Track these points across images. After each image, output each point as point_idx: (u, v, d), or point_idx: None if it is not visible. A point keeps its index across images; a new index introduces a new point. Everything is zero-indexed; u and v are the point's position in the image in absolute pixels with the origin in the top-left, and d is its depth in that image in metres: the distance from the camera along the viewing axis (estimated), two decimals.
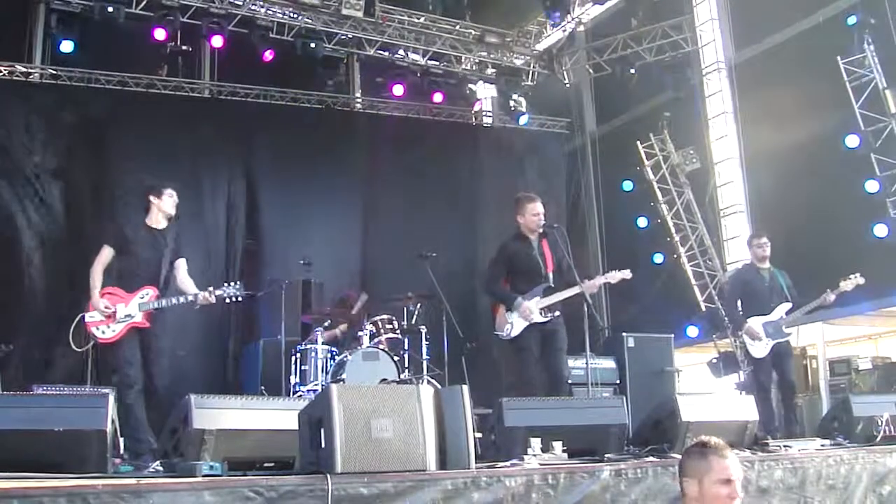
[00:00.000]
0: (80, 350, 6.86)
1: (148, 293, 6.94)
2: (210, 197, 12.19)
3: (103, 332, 6.82)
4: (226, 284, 7.29)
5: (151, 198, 7.22)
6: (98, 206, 11.43)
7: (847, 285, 8.46)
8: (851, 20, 10.83)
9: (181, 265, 7.25)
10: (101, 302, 6.84)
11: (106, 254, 7.01)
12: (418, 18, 13.77)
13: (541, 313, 7.42)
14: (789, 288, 8.72)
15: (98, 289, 6.89)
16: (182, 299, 7.09)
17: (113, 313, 6.84)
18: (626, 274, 7.75)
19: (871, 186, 10.67)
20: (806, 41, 11.90)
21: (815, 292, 8.54)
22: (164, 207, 7.21)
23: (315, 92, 13.50)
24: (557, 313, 7.50)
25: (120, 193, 11.48)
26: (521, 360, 7.47)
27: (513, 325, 7.42)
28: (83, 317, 6.88)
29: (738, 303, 8.94)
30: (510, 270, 7.66)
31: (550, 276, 7.55)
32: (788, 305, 8.61)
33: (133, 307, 6.89)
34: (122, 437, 6.32)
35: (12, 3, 11.70)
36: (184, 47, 12.51)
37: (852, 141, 10.77)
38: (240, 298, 7.40)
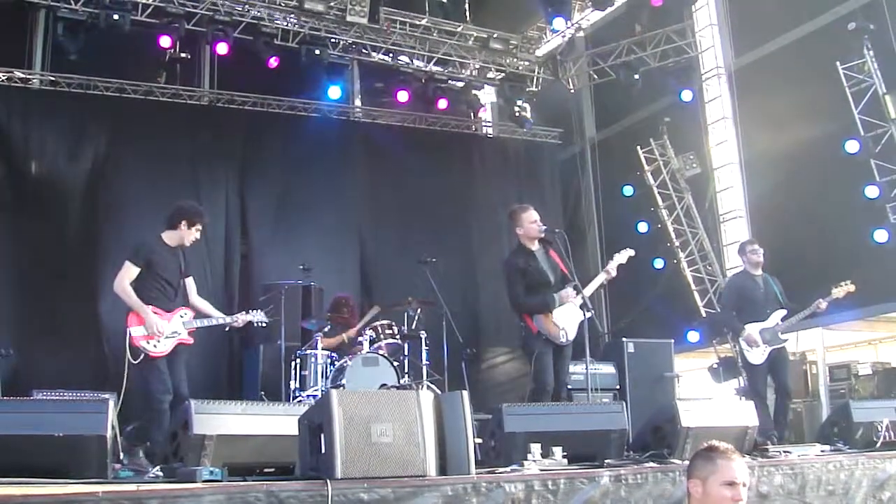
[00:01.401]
0: (136, 362, 6.83)
1: (187, 313, 7.17)
2: (208, 204, 12.13)
3: (154, 346, 6.86)
4: (253, 311, 7.67)
5: (183, 223, 7.24)
6: (96, 212, 11.41)
7: (839, 292, 8.50)
8: (851, 25, 10.84)
9: (191, 284, 7.41)
10: (155, 319, 6.91)
11: (131, 271, 7.02)
12: (419, 21, 13.74)
13: (581, 309, 7.42)
14: (782, 294, 8.77)
15: (143, 305, 6.93)
16: (220, 320, 7.44)
17: (160, 331, 6.93)
18: (630, 252, 7.76)
19: (871, 192, 10.66)
20: (805, 46, 11.91)
21: (815, 298, 8.55)
22: (186, 237, 7.26)
23: (313, 101, 13.49)
24: (592, 311, 7.52)
25: (118, 201, 11.48)
26: (544, 368, 7.42)
27: (566, 329, 7.35)
28: (130, 332, 6.85)
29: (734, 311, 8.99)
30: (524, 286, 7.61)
31: (567, 275, 7.51)
32: (784, 312, 8.65)
33: (177, 325, 7.05)
34: (149, 442, 6.41)
35: (12, 10, 11.69)
36: (182, 55, 12.48)
37: (852, 146, 10.77)
38: (264, 324, 7.78)
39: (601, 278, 7.49)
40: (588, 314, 7.43)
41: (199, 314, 7.35)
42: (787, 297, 8.78)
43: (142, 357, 6.80)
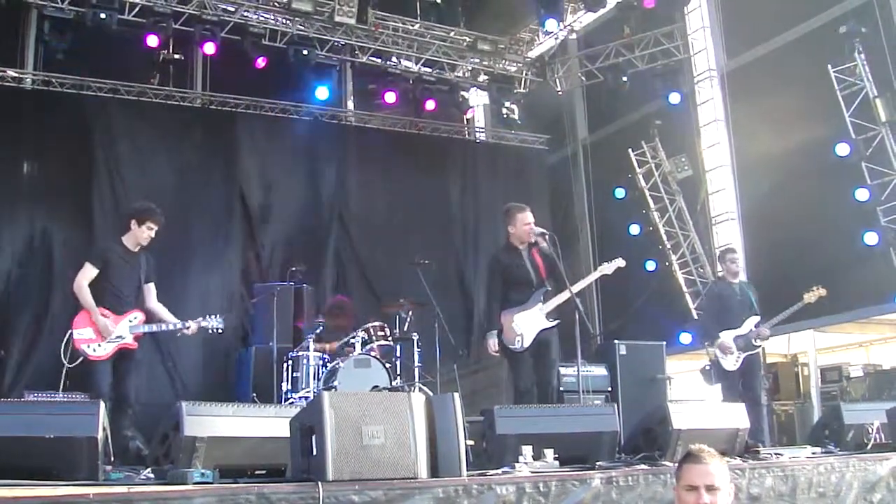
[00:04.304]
0: (70, 366, 6.97)
1: (137, 317, 7.24)
2: (200, 205, 12.15)
3: (94, 350, 7.02)
4: (210, 317, 7.53)
5: (133, 223, 7.39)
6: (88, 213, 11.36)
7: (810, 297, 8.66)
8: (842, 29, 10.88)
9: (150, 290, 7.48)
10: (105, 320, 7.03)
11: (90, 272, 7.20)
12: (412, 25, 13.77)
13: (547, 318, 7.43)
14: (756, 303, 8.87)
15: (94, 306, 7.07)
16: (171, 326, 7.40)
17: (111, 332, 7.04)
18: (620, 262, 7.80)
19: (862, 195, 10.70)
20: (797, 49, 11.93)
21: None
22: (139, 236, 7.38)
23: (305, 104, 13.48)
24: (558, 321, 7.49)
25: (110, 202, 11.44)
26: (517, 371, 7.47)
27: (523, 336, 7.38)
28: (72, 333, 6.99)
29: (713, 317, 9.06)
30: (503, 282, 7.65)
31: (545, 281, 7.55)
32: (757, 318, 8.78)
33: (124, 329, 7.15)
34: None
35: (4, 8, 11.65)
36: (175, 56, 12.44)
37: (843, 149, 10.80)
38: (220, 331, 7.66)
39: (565, 295, 7.39)
40: (553, 323, 7.43)
41: (153, 319, 7.39)
42: (772, 300, 8.87)
43: (80, 360, 6.91)
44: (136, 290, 7.33)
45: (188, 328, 7.40)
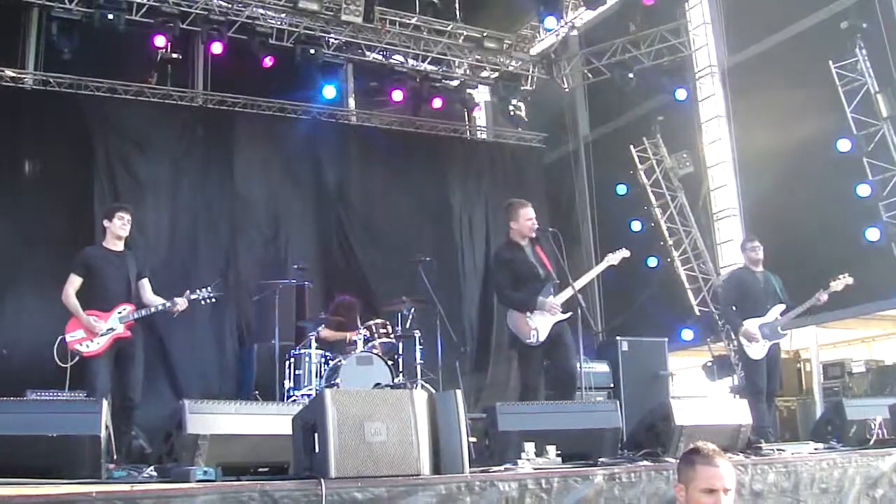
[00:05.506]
0: (65, 366, 7.08)
1: (126, 308, 7.34)
2: (200, 205, 12.14)
3: (87, 347, 7.16)
4: (199, 290, 7.72)
5: (105, 222, 7.56)
6: (87, 213, 11.33)
7: (837, 285, 8.63)
8: (844, 24, 10.87)
9: (144, 285, 7.60)
10: (90, 318, 7.16)
11: (75, 282, 7.36)
12: (409, 20, 13.72)
13: (561, 310, 7.41)
14: (782, 291, 8.80)
15: (81, 311, 7.21)
16: (161, 307, 7.50)
17: (98, 329, 7.15)
18: (625, 252, 7.84)
19: (863, 190, 10.69)
20: (799, 45, 11.92)
21: (807, 296, 8.62)
22: (114, 230, 7.51)
23: (304, 103, 13.46)
24: (570, 313, 7.45)
25: (109, 202, 11.42)
26: (527, 367, 7.45)
27: (538, 329, 7.29)
28: (63, 338, 7.19)
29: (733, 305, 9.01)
30: (510, 278, 7.62)
31: (552, 274, 7.55)
32: (782, 307, 8.71)
33: (114, 321, 7.26)
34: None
35: (5, 7, 11.65)
36: (174, 55, 12.41)
37: (844, 145, 10.79)
38: (213, 300, 7.84)
39: (568, 292, 7.39)
40: (565, 316, 7.41)
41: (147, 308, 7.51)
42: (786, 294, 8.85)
43: (77, 359, 7.08)
44: (125, 288, 7.41)
45: (177, 305, 7.51)
